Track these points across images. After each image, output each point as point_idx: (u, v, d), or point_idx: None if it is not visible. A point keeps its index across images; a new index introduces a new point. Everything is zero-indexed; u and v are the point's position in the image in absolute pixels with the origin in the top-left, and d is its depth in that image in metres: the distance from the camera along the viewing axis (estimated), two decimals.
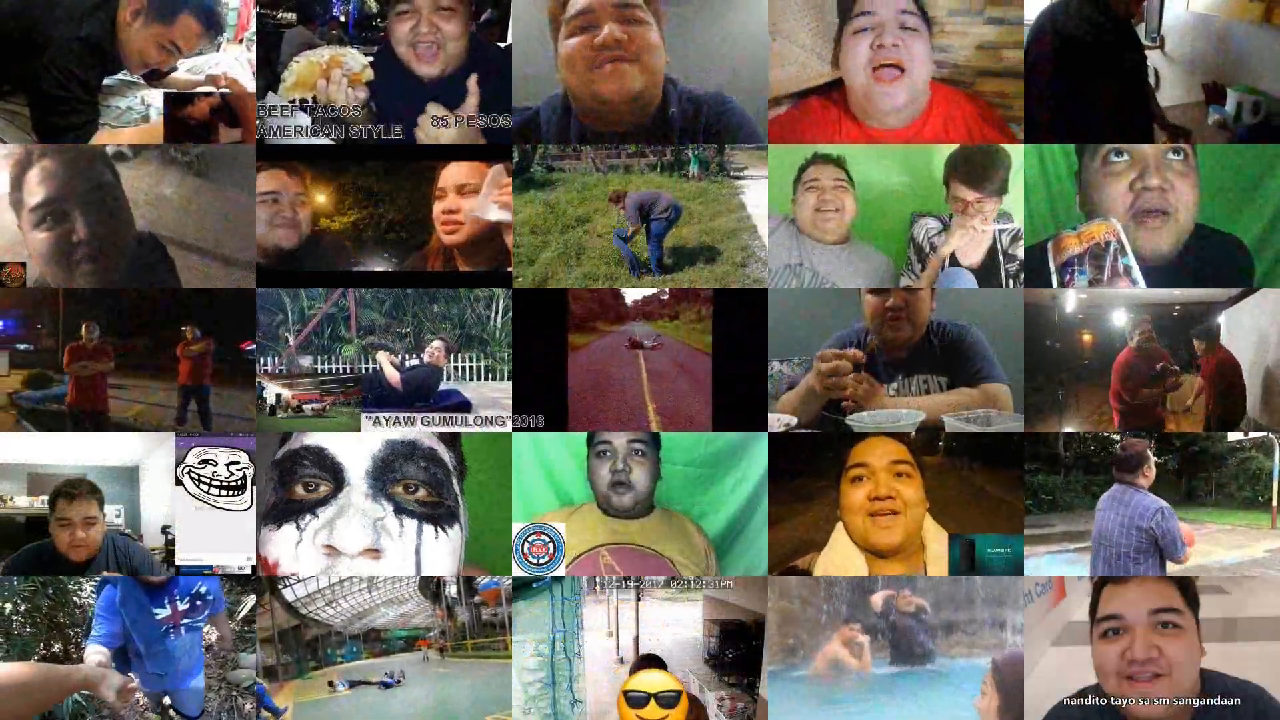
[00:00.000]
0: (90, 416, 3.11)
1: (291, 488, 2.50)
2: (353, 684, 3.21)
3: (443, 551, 2.53)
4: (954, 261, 3.13)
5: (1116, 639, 2.50)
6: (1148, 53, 3.23)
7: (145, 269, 3.07)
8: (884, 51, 3.06)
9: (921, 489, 2.89)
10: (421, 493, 2.55)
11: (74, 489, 2.98)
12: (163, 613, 2.86)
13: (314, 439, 2.58)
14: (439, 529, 2.54)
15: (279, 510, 2.50)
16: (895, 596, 2.94)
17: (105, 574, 2.99)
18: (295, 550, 2.46)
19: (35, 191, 3.02)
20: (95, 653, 2.81)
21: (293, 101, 3.03)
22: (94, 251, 3.03)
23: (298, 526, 2.47)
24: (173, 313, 3.08)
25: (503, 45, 3.09)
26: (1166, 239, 3.04)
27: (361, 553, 2.41)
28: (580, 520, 2.82)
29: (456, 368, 3.13)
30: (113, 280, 3.06)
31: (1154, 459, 3.00)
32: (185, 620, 2.85)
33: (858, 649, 2.87)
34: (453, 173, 3.08)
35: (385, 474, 2.53)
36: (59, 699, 2.59)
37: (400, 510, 2.52)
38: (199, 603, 2.90)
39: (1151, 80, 3.23)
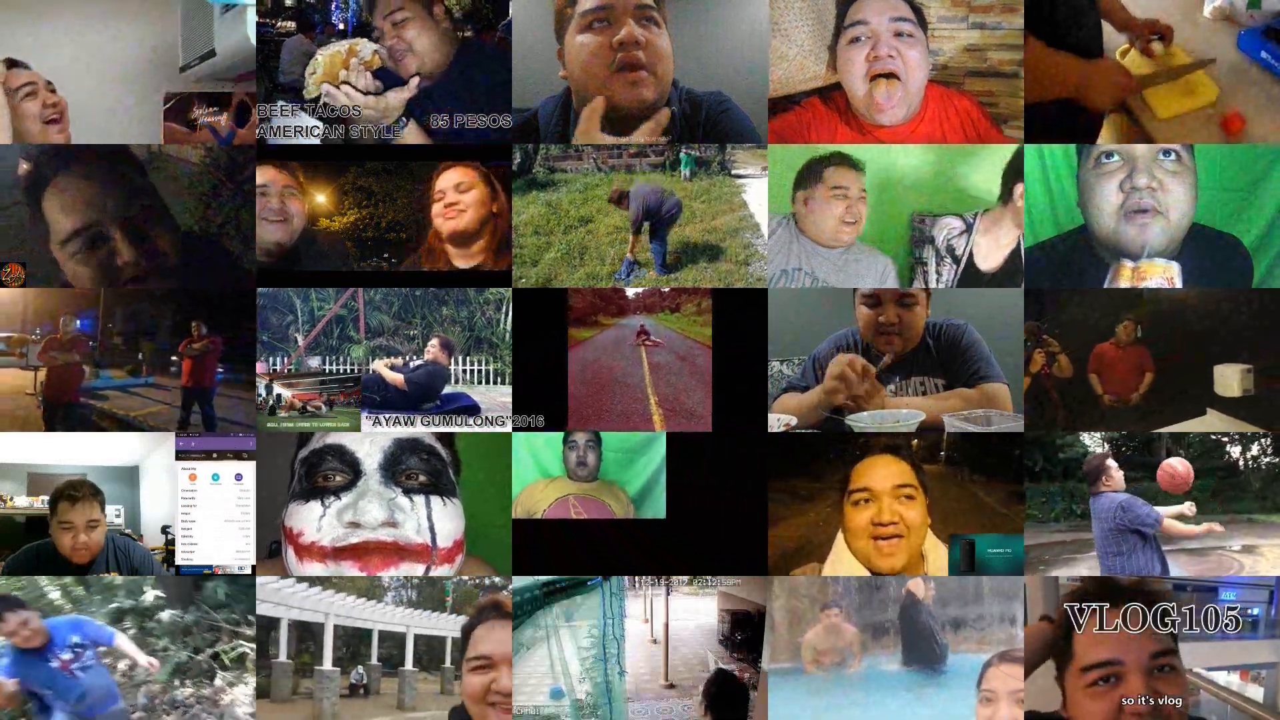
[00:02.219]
0: (60, 409, 3.09)
1: (315, 478, 2.84)
2: None
3: (450, 515, 2.87)
4: (970, 265, 3.13)
5: (1111, 688, 2.42)
6: None
7: (201, 268, 3.06)
8: (879, 62, 3.08)
9: (925, 508, 2.90)
10: (422, 478, 2.87)
11: (76, 491, 2.96)
12: (54, 663, 2.86)
13: (334, 439, 2.90)
14: (444, 499, 2.87)
15: (306, 493, 2.84)
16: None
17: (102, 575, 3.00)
18: (319, 522, 2.79)
19: (62, 221, 2.96)
20: None
21: (317, 97, 3.06)
22: (144, 271, 3.00)
23: (323, 504, 2.81)
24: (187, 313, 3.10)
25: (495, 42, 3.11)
26: (1158, 238, 3.03)
27: (381, 524, 2.78)
28: (558, 484, 3.11)
29: (464, 370, 3.13)
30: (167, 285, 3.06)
31: (1114, 463, 3.01)
32: (75, 665, 2.87)
33: (833, 629, 2.96)
34: (451, 177, 3.08)
35: (394, 465, 2.85)
36: None
37: (408, 492, 2.84)
38: (79, 649, 2.89)
39: None
